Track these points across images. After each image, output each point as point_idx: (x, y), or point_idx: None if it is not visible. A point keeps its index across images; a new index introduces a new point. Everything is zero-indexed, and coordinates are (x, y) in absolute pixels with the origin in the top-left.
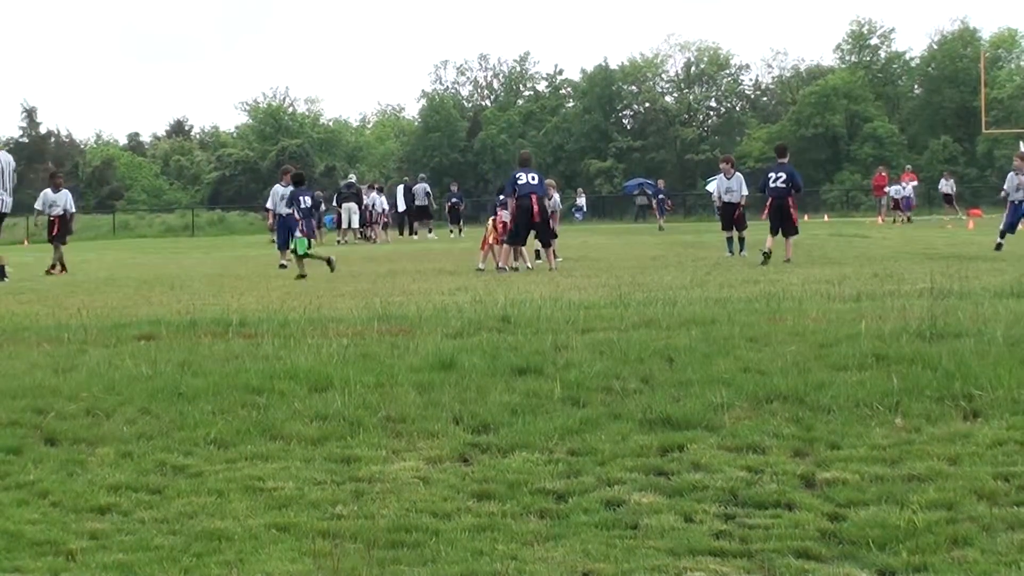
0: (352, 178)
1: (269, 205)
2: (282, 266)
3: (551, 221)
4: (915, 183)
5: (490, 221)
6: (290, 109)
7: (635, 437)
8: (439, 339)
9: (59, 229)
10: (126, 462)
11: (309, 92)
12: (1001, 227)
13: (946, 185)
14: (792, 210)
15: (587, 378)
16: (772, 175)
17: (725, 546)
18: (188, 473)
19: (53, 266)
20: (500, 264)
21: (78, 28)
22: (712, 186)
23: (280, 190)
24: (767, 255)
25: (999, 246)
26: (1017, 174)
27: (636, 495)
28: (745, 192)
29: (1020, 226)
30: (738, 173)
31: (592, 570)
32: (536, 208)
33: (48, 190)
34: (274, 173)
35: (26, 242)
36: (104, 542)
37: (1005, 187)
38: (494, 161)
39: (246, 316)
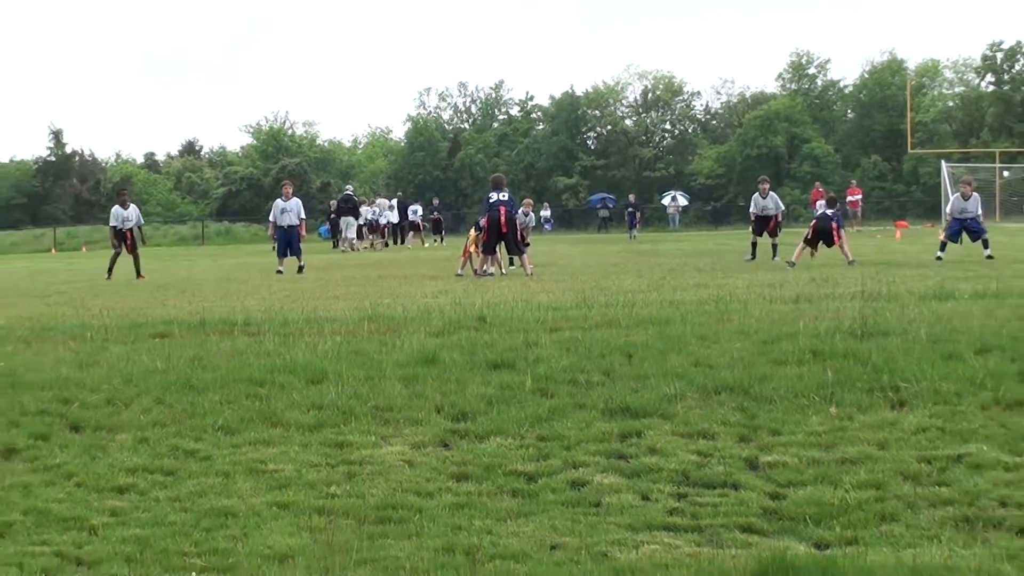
0: (349, 190)
1: (271, 218)
2: (279, 272)
3: (524, 234)
4: (859, 196)
5: (471, 231)
6: (290, 131)
7: (598, 424)
8: (423, 337)
9: (132, 240)
10: (143, 447)
11: (307, 116)
12: (942, 239)
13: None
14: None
15: (555, 372)
16: None
17: (678, 522)
18: (198, 457)
19: (139, 274)
20: (477, 270)
21: (100, 57)
22: (751, 205)
23: (281, 204)
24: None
25: (939, 259)
26: (964, 198)
27: (598, 476)
28: (782, 207)
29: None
30: (772, 192)
31: (559, 543)
32: (503, 219)
33: (117, 207)
34: (275, 188)
35: (84, 248)
36: (123, 518)
37: (949, 209)
38: (472, 178)
39: (250, 316)
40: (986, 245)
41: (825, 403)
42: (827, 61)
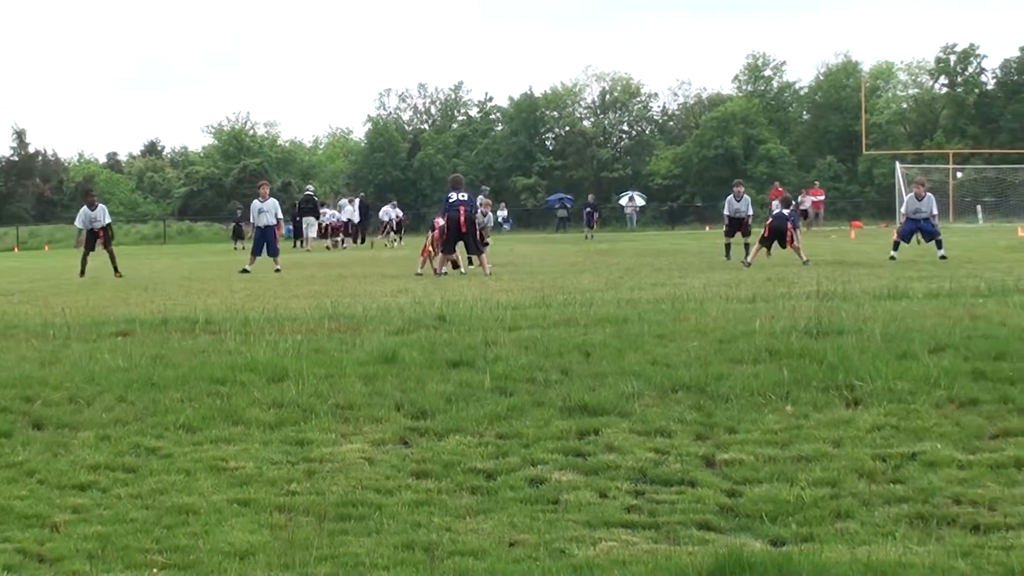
0: (310, 190)
1: (251, 220)
2: (245, 271)
3: (483, 234)
4: (821, 197)
5: (430, 232)
6: (251, 132)
7: (556, 422)
8: (383, 336)
9: (106, 239)
10: (105, 444)
11: (268, 116)
12: (895, 239)
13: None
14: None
15: (514, 370)
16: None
17: (635, 519)
18: (160, 454)
19: (116, 270)
20: (436, 269)
21: (64, 58)
22: (726, 205)
23: (258, 204)
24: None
25: (893, 258)
26: (917, 198)
27: (557, 474)
28: (751, 212)
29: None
30: (746, 195)
31: (518, 540)
32: (462, 219)
33: (85, 208)
34: (236, 188)
35: (47, 247)
36: (85, 516)
37: (904, 209)
38: (432, 178)
39: (211, 315)
40: (940, 246)
41: (781, 401)
42: (783, 63)
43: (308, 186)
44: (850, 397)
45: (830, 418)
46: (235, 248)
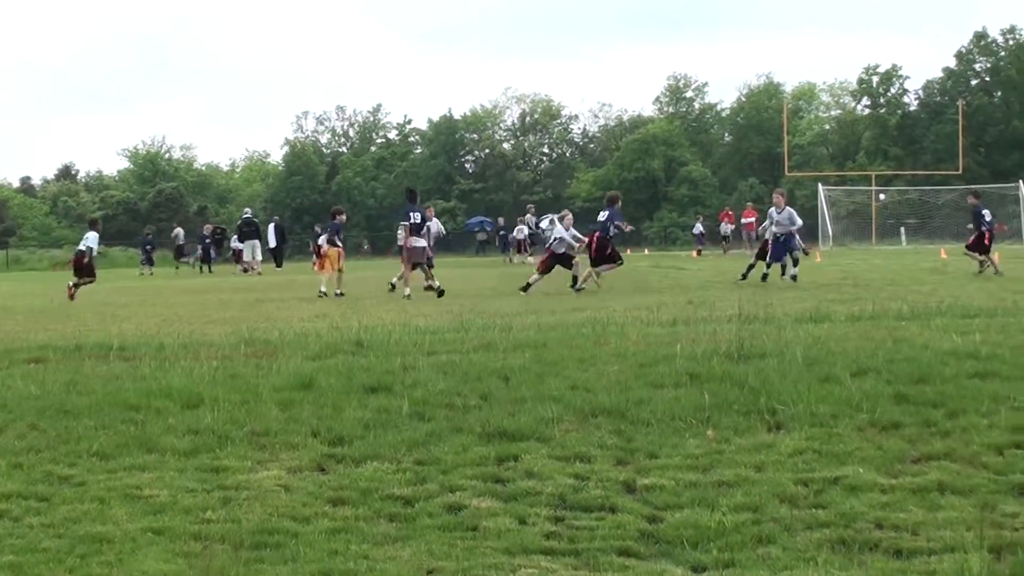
0: (248, 213)
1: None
2: (392, 287)
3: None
4: (753, 219)
5: (330, 248)
6: (167, 155)
7: (475, 448)
8: (299, 361)
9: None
10: (17, 473)
11: (184, 140)
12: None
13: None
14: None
15: (432, 395)
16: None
17: (555, 546)
18: (73, 482)
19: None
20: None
21: None
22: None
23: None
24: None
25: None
26: (778, 210)
27: (475, 500)
28: (798, 223)
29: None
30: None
31: (436, 568)
32: (594, 244)
33: (94, 233)
34: (152, 212)
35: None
36: None
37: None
38: (350, 201)
39: (126, 341)
40: (783, 271)
41: (702, 426)
42: (704, 85)
43: (247, 210)
44: (772, 421)
45: (752, 442)
46: (142, 274)
